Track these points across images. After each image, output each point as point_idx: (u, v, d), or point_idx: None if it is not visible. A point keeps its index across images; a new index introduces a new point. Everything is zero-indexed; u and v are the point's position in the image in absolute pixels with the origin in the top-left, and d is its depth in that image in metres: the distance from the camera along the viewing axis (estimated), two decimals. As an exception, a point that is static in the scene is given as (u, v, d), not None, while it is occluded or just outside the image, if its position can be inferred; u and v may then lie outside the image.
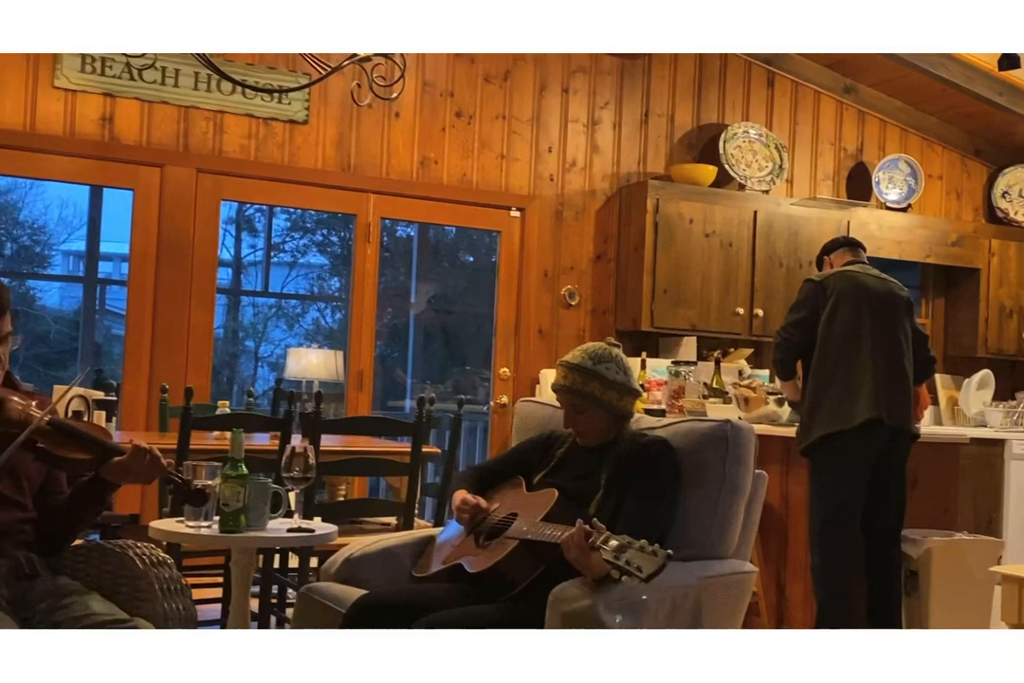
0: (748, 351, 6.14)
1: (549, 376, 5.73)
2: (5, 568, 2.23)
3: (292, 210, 8.60)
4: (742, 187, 6.26)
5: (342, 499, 4.62)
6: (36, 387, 2.60)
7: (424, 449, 3.83)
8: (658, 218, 5.91)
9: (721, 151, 6.19)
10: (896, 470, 3.91)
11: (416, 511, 3.89)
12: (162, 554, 2.39)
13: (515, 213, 5.99)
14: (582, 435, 2.70)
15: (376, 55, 3.40)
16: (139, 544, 2.42)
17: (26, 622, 2.12)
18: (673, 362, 5.07)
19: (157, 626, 2.18)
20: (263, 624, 3.68)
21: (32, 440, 2.21)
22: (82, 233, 8.38)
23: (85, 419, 3.31)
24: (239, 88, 5.05)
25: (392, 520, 3.97)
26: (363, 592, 2.53)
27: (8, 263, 8.37)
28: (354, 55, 3.78)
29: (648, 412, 4.40)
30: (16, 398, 2.31)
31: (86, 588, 2.27)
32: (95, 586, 2.32)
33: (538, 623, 2.34)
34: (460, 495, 2.70)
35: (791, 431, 4.06)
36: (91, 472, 2.35)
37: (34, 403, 2.33)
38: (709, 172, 6.12)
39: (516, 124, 5.96)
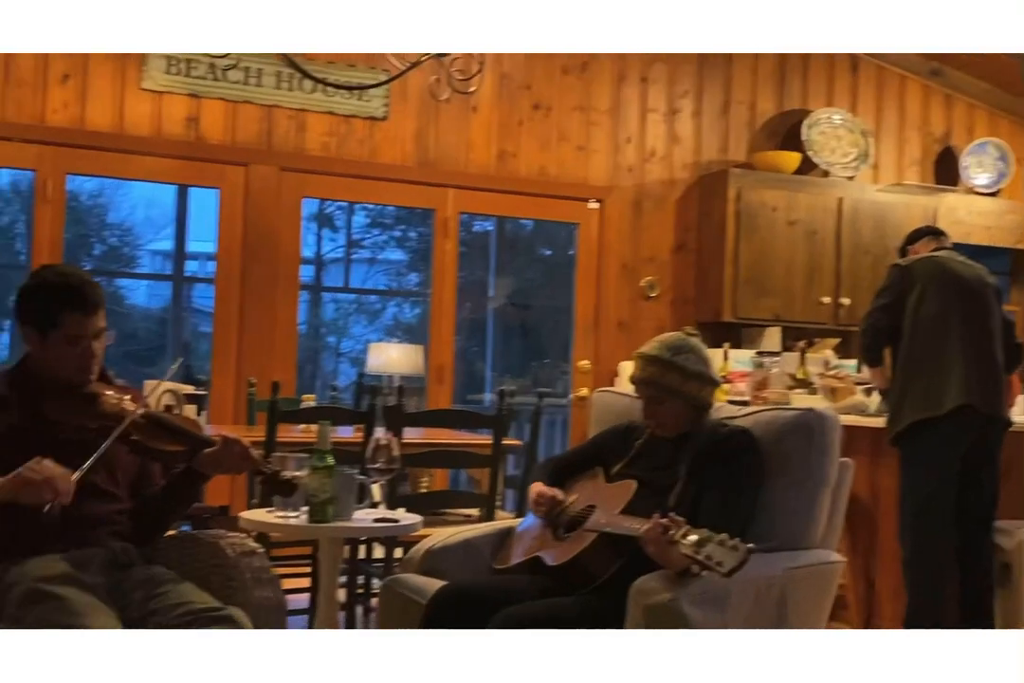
0: (835, 341, 6.03)
1: (628, 368, 5.67)
2: (101, 558, 2.29)
3: (371, 207, 8.69)
4: (826, 174, 6.16)
5: (424, 491, 4.66)
6: (127, 383, 2.67)
7: (504, 441, 3.85)
8: (740, 207, 5.85)
9: (804, 138, 6.09)
10: (989, 459, 3.81)
11: (498, 503, 3.91)
12: (252, 544, 2.44)
13: (593, 205, 5.97)
14: (662, 426, 2.67)
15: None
16: (230, 534, 2.47)
17: (123, 611, 2.17)
18: (757, 353, 5.01)
19: (249, 614, 2.21)
20: (350, 614, 3.74)
21: (126, 433, 2.27)
22: (168, 232, 8.58)
23: (176, 413, 3.40)
24: (320, 86, 5.12)
25: (474, 512, 3.99)
26: (444, 584, 2.55)
27: (98, 263, 8.61)
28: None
29: (731, 404, 4.35)
30: (110, 392, 2.38)
31: (180, 577, 2.32)
32: (188, 575, 2.36)
33: (618, 616, 2.33)
34: (537, 488, 2.69)
35: (880, 422, 3.99)
36: (183, 463, 2.41)
37: (127, 397, 2.39)
38: (792, 159, 6.03)
39: (594, 115, 5.93)
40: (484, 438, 4.08)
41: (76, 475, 2.16)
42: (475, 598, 2.44)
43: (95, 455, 2.20)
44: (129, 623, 2.12)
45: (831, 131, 6.22)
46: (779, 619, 2.43)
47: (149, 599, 2.20)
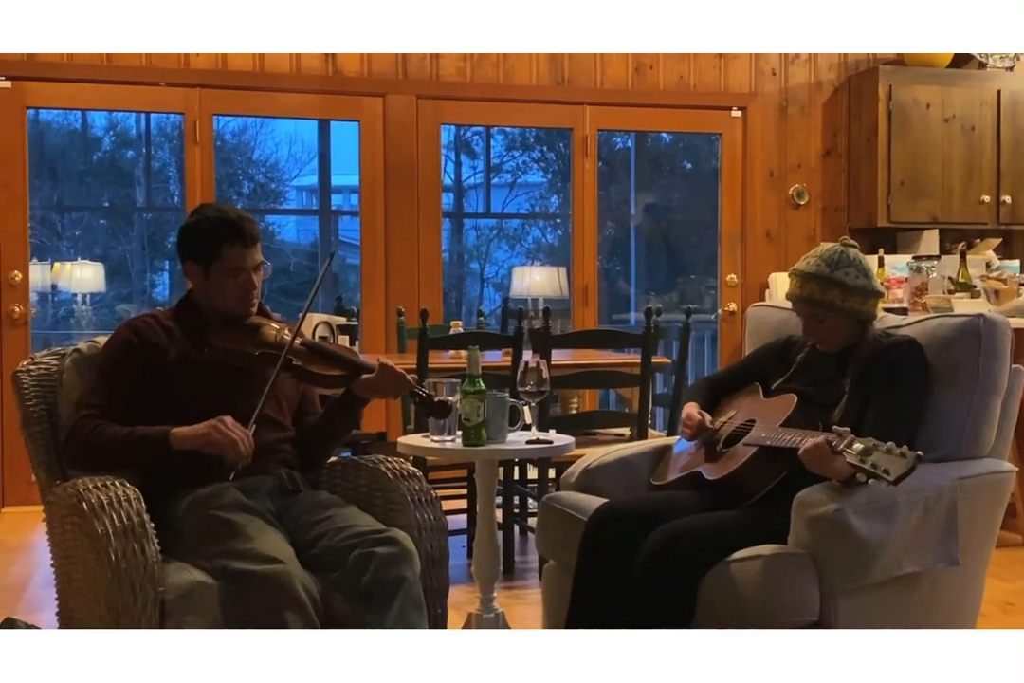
0: (996, 241, 5.75)
1: (779, 280, 5.56)
2: (270, 484, 2.38)
3: (509, 130, 8.63)
4: (983, 66, 5.79)
5: (575, 412, 4.68)
6: (282, 317, 2.75)
7: (653, 360, 3.82)
8: (892, 106, 5.58)
9: (958, 28, 5.73)
10: None
11: (648, 422, 3.89)
12: (411, 467, 2.50)
13: (736, 113, 5.77)
14: (824, 342, 2.59)
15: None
16: (389, 459, 2.53)
17: (291, 534, 2.26)
18: (914, 257, 4.81)
19: (412, 535, 2.28)
20: (507, 534, 3.82)
21: (288, 360, 2.34)
22: (312, 167, 8.73)
23: (331, 342, 3.49)
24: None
25: (625, 431, 4.00)
26: (603, 500, 2.56)
27: (247, 201, 8.85)
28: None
29: (888, 312, 4.20)
30: (271, 323, 2.46)
31: (344, 501, 2.41)
32: (352, 499, 2.44)
33: (781, 529, 2.31)
34: (687, 410, 2.66)
35: (1049, 325, 3.79)
36: (343, 387, 2.47)
37: (286, 328, 2.46)
38: (946, 52, 5.69)
39: (731, 19, 5.70)
40: (632, 357, 4.06)
41: (251, 428, 2.25)
42: (636, 514, 2.44)
43: (262, 399, 2.29)
44: (297, 546, 2.21)
45: (989, 18, 5.83)
46: (948, 530, 2.37)
47: (316, 523, 2.29)
